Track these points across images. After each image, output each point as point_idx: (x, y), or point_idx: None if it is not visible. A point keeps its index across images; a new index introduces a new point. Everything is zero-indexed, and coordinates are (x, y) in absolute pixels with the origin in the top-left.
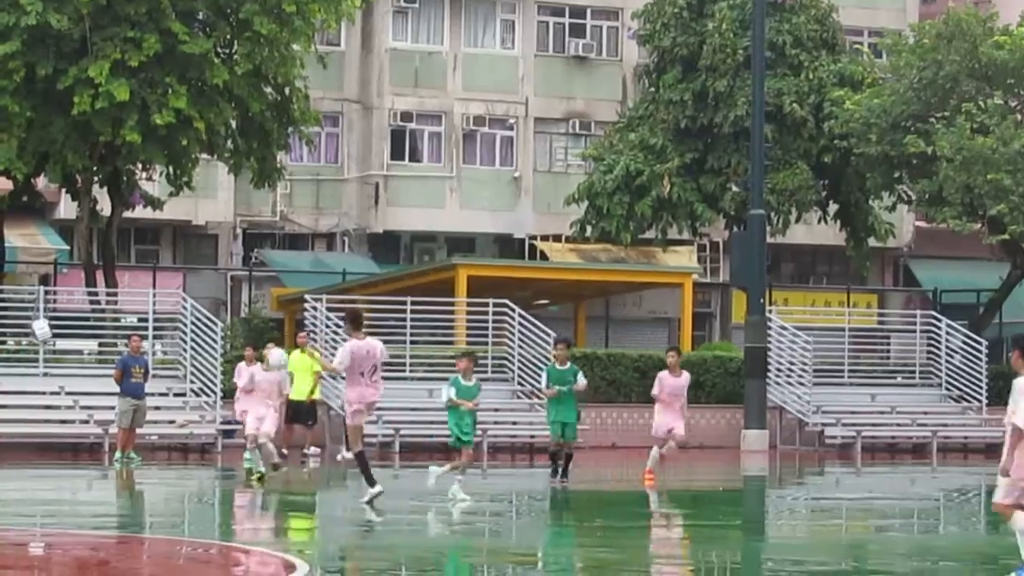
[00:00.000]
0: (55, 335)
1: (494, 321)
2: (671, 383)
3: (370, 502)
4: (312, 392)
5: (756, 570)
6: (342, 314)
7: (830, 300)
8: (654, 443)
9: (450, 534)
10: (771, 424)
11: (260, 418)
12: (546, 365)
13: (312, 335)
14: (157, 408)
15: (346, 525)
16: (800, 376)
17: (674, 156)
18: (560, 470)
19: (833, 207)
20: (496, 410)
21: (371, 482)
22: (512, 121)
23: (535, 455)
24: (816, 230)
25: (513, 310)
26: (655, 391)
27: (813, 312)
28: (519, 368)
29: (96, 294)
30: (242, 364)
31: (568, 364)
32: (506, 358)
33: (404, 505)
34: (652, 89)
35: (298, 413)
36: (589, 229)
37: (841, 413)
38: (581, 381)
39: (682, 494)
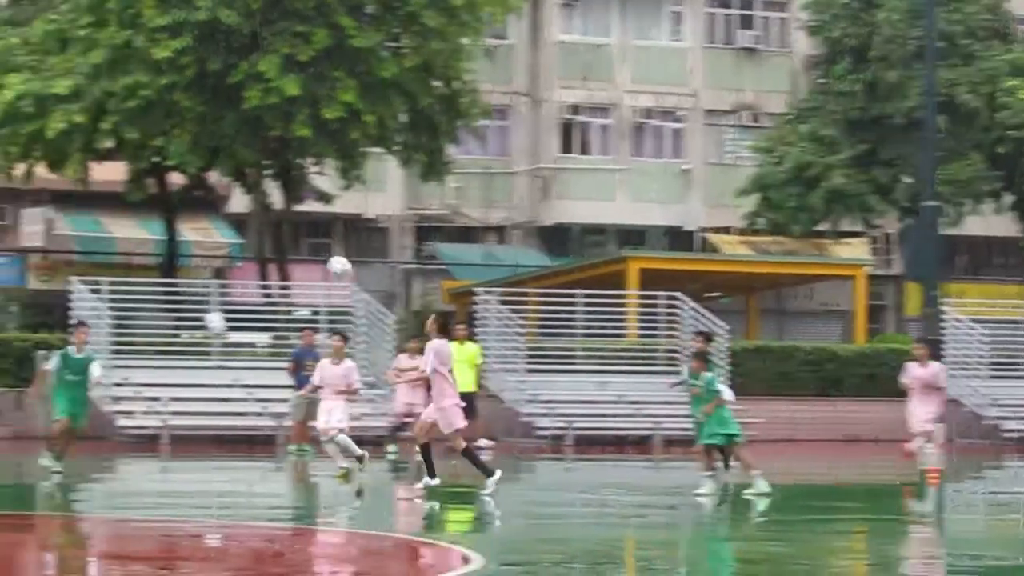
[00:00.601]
0: (229, 328)
1: (666, 314)
2: (918, 374)
3: (425, 490)
4: (474, 385)
5: (934, 563)
6: (513, 307)
7: (1006, 292)
8: (913, 437)
9: (621, 527)
10: (947, 418)
11: (329, 411)
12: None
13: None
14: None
15: (519, 518)
16: (976, 369)
17: (845, 148)
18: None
19: (1008, 198)
20: (668, 403)
21: (431, 473)
22: (681, 113)
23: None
24: (991, 221)
25: (684, 303)
26: (903, 380)
27: (989, 304)
28: (688, 360)
29: (269, 287)
30: (402, 356)
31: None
32: (678, 350)
33: (576, 498)
34: (822, 80)
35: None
36: (760, 221)
37: (1017, 406)
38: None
39: (858, 489)
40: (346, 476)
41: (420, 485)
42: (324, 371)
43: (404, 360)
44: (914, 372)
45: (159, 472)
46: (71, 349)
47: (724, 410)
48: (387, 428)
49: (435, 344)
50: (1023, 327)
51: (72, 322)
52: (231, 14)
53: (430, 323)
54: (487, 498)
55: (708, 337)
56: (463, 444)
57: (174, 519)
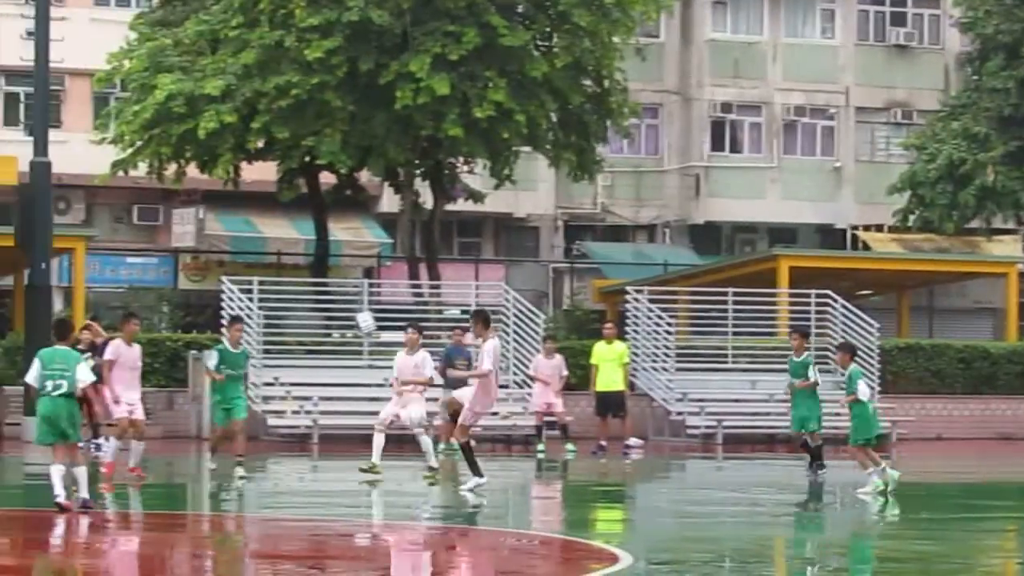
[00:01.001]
0: (379, 327)
1: (816, 312)
2: None
3: (471, 489)
4: (622, 384)
5: None
6: (663, 306)
7: None
8: None
9: (769, 526)
10: None
11: (404, 405)
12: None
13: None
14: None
15: (669, 517)
16: None
17: (998, 144)
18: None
19: None
20: (822, 402)
21: (477, 472)
22: (833, 111)
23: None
24: None
25: (835, 301)
26: None
27: None
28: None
29: (419, 287)
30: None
31: (804, 355)
32: (829, 349)
33: (726, 497)
34: (975, 77)
35: (607, 404)
36: (911, 219)
37: None
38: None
39: (1010, 487)
40: (434, 473)
41: (469, 486)
42: (399, 363)
43: (541, 360)
44: None
45: (309, 471)
46: (227, 345)
47: (864, 408)
48: (534, 427)
49: (495, 344)
50: None
51: (224, 320)
52: (382, 14)
53: (477, 325)
54: (466, 494)
55: (804, 334)
56: (465, 439)
57: (324, 518)
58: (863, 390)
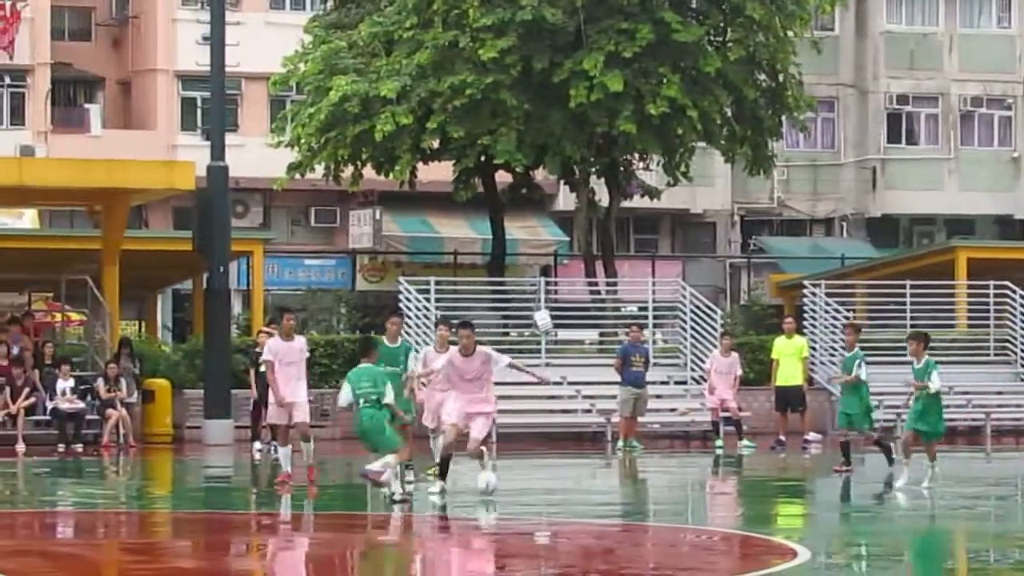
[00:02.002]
0: (556, 325)
1: (995, 304)
2: None
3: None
4: (801, 378)
5: None
6: (841, 299)
7: None
8: None
9: (949, 519)
10: None
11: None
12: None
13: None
14: (658, 396)
15: (846, 511)
16: None
17: None
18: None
19: None
20: (999, 393)
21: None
22: (1010, 101)
23: None
24: None
25: (1014, 292)
26: None
27: None
28: (1023, 350)
29: (596, 284)
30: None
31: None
32: (1008, 340)
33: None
34: None
35: (787, 399)
36: None
37: None
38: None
39: None
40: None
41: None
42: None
43: (718, 357)
44: None
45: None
46: (384, 340)
47: (937, 400)
48: (710, 423)
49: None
50: None
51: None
52: (555, 12)
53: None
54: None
55: (856, 328)
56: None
57: (503, 517)
58: (936, 381)
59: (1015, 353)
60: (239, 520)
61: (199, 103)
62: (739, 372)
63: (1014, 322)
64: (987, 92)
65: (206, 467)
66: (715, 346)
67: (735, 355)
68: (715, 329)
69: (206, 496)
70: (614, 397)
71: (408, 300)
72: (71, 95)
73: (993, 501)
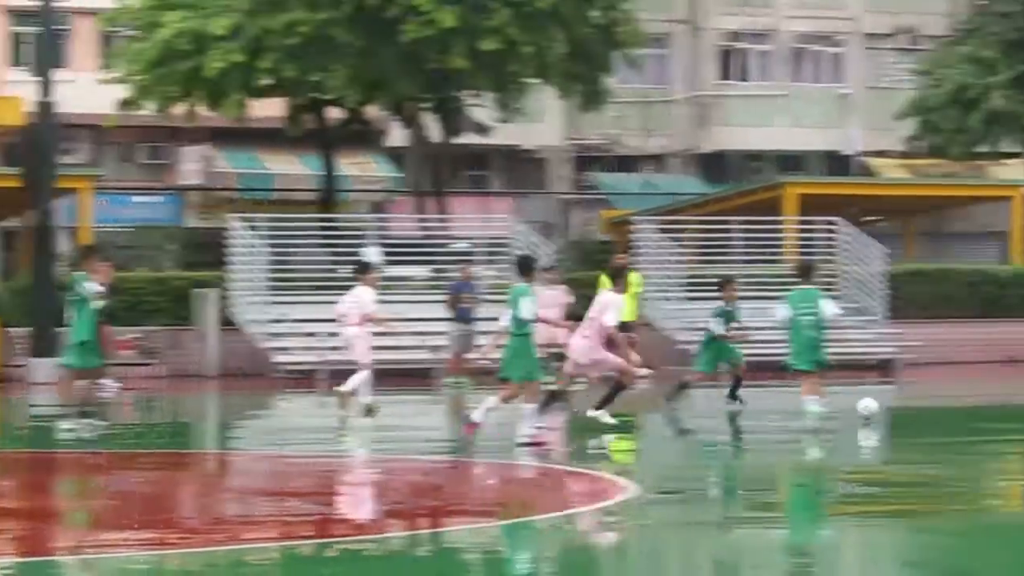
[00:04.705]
0: (387, 262)
1: (824, 239)
2: None
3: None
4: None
5: None
6: (671, 236)
7: None
8: None
9: (775, 453)
10: None
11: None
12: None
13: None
14: (487, 333)
15: (672, 445)
16: None
17: (1005, 69)
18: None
19: None
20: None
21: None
22: (840, 38)
23: (865, 372)
24: None
25: (842, 227)
26: None
27: None
28: (848, 286)
29: (427, 220)
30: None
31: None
32: (836, 276)
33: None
34: (982, 2)
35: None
36: (918, 144)
37: None
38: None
39: (1016, 409)
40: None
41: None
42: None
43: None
44: None
45: (317, 407)
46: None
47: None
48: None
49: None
50: None
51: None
52: None
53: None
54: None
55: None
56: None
57: (331, 454)
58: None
59: (843, 288)
60: (64, 459)
61: (28, 38)
62: (569, 299)
63: (842, 257)
64: (818, 29)
65: (32, 406)
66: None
67: (561, 288)
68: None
69: (32, 435)
70: (444, 334)
71: (238, 238)
72: None
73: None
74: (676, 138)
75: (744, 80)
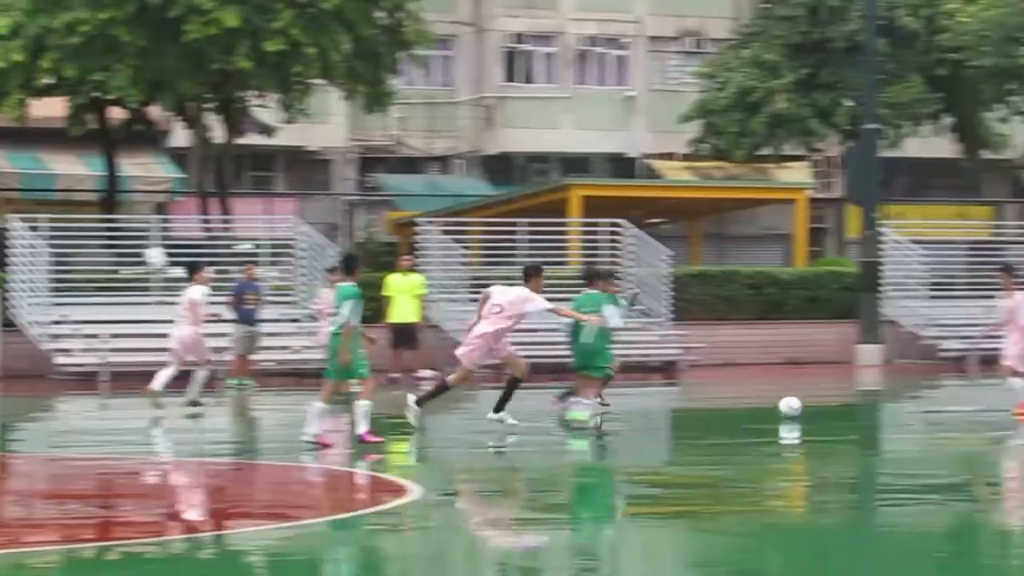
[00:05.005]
0: (169, 263)
1: (609, 241)
2: (1000, 304)
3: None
4: (416, 315)
5: (870, 484)
6: (456, 237)
7: (945, 213)
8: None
9: (563, 455)
10: (885, 338)
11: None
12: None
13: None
14: (272, 334)
15: (459, 448)
16: (914, 290)
17: (788, 72)
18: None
19: (947, 120)
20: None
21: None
22: (625, 40)
23: (649, 373)
24: (930, 143)
25: (627, 229)
26: (1001, 317)
27: (927, 225)
28: (633, 287)
29: (210, 222)
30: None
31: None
32: (620, 277)
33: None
34: (765, 5)
35: (401, 336)
36: (703, 147)
37: (954, 326)
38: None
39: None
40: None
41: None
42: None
43: (326, 293)
44: (997, 302)
45: (98, 410)
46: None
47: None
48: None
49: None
50: (960, 248)
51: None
52: None
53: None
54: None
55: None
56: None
57: (113, 456)
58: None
59: (627, 290)
60: None
61: None
62: None
63: (626, 259)
64: (602, 31)
65: None
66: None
67: None
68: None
69: None
70: (227, 335)
71: (18, 238)
72: None
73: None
74: (461, 140)
75: (529, 82)
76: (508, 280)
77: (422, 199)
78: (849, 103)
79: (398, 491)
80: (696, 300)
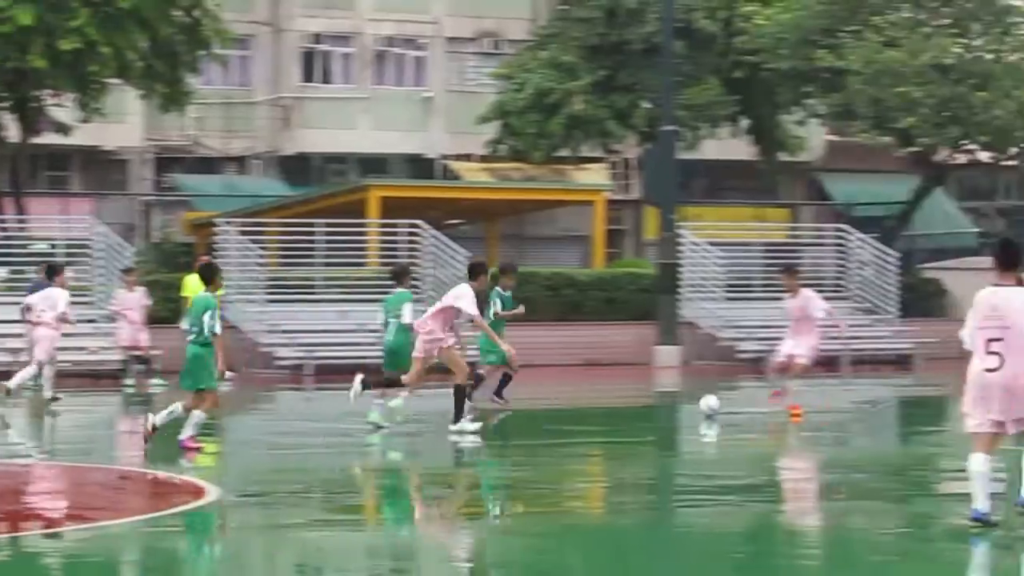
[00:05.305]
0: None
1: (407, 242)
2: (788, 305)
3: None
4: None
5: (668, 485)
6: (254, 238)
7: (742, 215)
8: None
9: (362, 456)
10: (683, 340)
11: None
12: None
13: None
14: (68, 335)
15: (259, 449)
16: (712, 292)
17: (585, 74)
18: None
19: (744, 122)
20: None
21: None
22: (423, 41)
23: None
24: (727, 145)
25: (425, 230)
26: (792, 316)
27: (725, 227)
28: (432, 289)
29: (5, 221)
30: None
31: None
32: (419, 279)
33: (317, 428)
34: (563, 7)
35: None
36: (501, 148)
37: (751, 328)
38: None
39: (595, 411)
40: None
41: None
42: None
43: (124, 294)
44: (784, 303)
45: None
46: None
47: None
48: (120, 362)
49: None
50: (757, 250)
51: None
52: None
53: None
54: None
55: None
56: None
57: None
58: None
59: (425, 291)
60: None
61: None
62: (146, 302)
63: (425, 260)
64: (400, 32)
65: None
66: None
67: (141, 289)
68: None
69: None
70: (22, 335)
71: None
72: None
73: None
74: (258, 140)
75: (327, 82)
76: (306, 280)
77: (219, 199)
78: (647, 105)
79: (197, 493)
80: None
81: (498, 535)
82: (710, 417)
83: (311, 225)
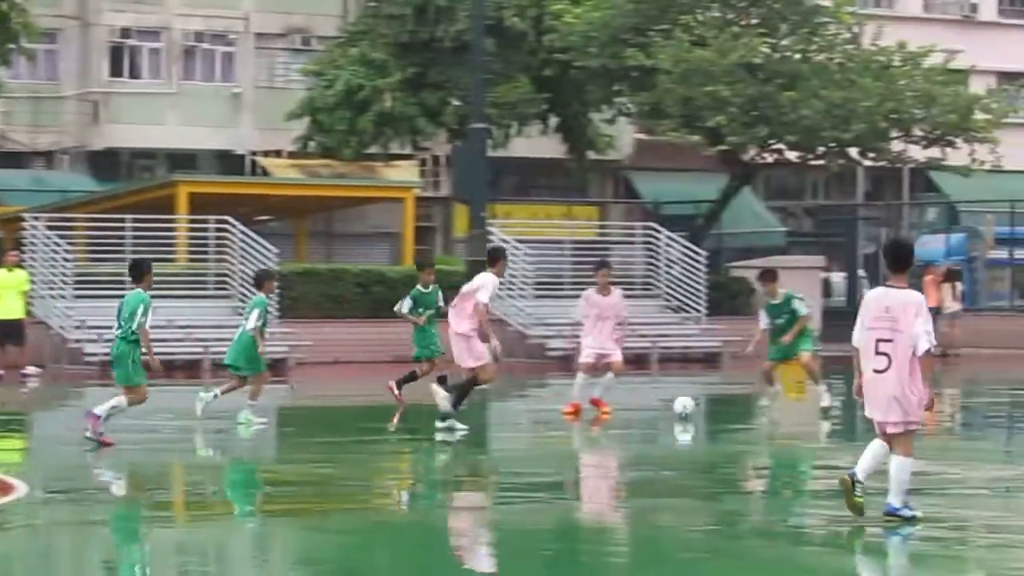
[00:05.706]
0: None
1: (216, 238)
2: (599, 302)
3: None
4: (21, 312)
5: (478, 482)
6: (62, 233)
7: (552, 213)
8: (580, 369)
9: (169, 453)
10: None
11: None
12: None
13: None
14: None
15: (67, 445)
16: (521, 289)
17: (395, 71)
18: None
19: (554, 120)
20: (218, 327)
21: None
22: (232, 36)
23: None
24: (537, 143)
25: (234, 227)
26: (581, 312)
27: (535, 225)
28: (241, 285)
29: None
30: None
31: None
32: (227, 274)
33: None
34: (373, 4)
35: (6, 332)
36: (311, 145)
37: (560, 325)
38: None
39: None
40: None
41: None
42: None
43: None
44: (594, 300)
45: None
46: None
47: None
48: None
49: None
50: (566, 247)
51: None
52: None
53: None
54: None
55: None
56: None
57: None
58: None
59: (234, 287)
60: None
61: None
62: None
63: (233, 256)
64: (209, 27)
65: None
66: None
67: None
68: None
69: None
70: None
71: None
72: None
73: (210, 435)
74: (66, 135)
75: (135, 77)
76: (116, 276)
77: (27, 194)
78: (457, 102)
79: (4, 489)
80: (303, 298)
81: (305, 532)
82: (685, 418)
83: (120, 221)
